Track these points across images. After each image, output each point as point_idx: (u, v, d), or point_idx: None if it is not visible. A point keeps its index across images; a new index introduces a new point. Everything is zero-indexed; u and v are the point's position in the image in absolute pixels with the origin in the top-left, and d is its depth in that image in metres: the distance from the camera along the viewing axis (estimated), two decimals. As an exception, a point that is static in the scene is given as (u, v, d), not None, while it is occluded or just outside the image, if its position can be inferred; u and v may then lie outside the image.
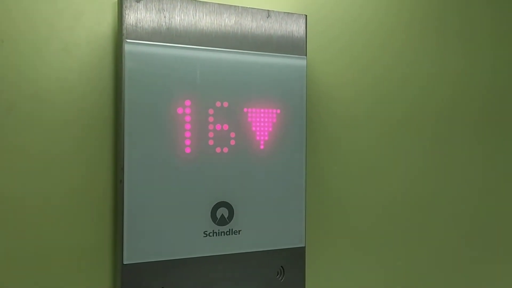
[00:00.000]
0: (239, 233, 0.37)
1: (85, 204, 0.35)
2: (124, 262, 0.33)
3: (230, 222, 0.37)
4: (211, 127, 0.36)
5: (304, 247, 0.39)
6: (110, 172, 0.35)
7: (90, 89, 0.35)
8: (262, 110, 0.38)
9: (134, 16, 0.34)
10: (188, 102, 0.35)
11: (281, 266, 0.39)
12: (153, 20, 0.35)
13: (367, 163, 0.46)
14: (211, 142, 0.36)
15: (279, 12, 0.39)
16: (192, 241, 0.35)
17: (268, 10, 0.38)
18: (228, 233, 0.37)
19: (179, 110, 0.35)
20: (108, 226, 0.35)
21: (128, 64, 0.34)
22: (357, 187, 0.46)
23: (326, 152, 0.44)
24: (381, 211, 0.47)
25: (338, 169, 0.45)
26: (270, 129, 0.38)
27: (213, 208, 0.36)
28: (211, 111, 0.36)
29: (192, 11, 0.36)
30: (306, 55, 0.40)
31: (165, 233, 0.34)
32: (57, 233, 0.34)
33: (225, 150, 0.36)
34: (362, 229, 0.46)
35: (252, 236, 0.37)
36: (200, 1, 0.36)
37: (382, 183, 0.47)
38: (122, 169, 0.33)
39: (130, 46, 0.34)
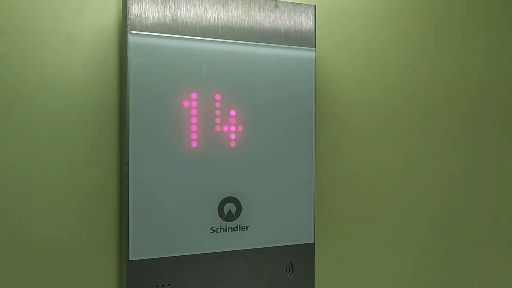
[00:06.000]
0: (246, 229, 0.36)
1: (90, 200, 0.34)
2: (130, 259, 0.32)
3: (237, 217, 0.36)
4: (218, 120, 0.35)
5: (313, 243, 0.39)
6: (115, 166, 0.35)
7: (94, 81, 0.34)
8: (270, 103, 0.37)
9: (139, 7, 0.33)
10: (194, 95, 0.34)
11: (290, 263, 0.38)
12: (158, 11, 0.34)
13: (378, 156, 0.45)
14: (218, 136, 0.35)
15: (287, 3, 0.38)
16: (199, 237, 0.34)
17: (276, 1, 0.37)
18: (235, 229, 0.36)
19: (185, 103, 0.34)
20: (113, 222, 0.35)
21: (132, 56, 0.33)
22: (367, 182, 0.45)
23: (335, 146, 0.43)
24: (392, 207, 0.46)
25: (348, 163, 0.44)
26: (279, 122, 0.37)
27: (220, 203, 0.35)
28: (218, 105, 0.35)
29: (198, 2, 0.35)
30: (315, 47, 0.39)
31: (171, 229, 0.34)
32: (61, 229, 0.33)
33: (233, 144, 0.36)
34: (372, 225, 0.45)
35: (260, 232, 0.37)
36: (206, -9, 0.35)
37: (393, 178, 0.46)
38: (127, 163, 0.32)
39: (134, 38, 0.33)
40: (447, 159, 0.49)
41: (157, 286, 0.33)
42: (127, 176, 0.32)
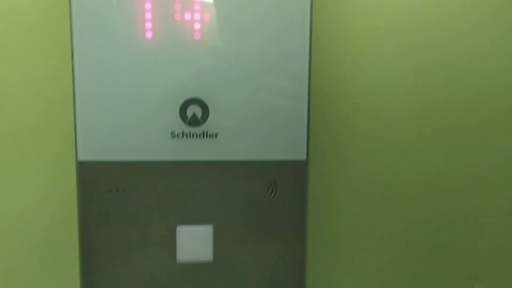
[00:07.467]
0: (215, 137, 0.31)
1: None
2: (79, 159, 0.30)
3: (204, 123, 0.31)
4: (177, 6, 0.30)
5: (305, 160, 0.32)
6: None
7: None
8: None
9: None
10: (150, -24, 0.29)
11: (274, 180, 0.32)
12: None
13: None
14: (179, 25, 0.30)
15: None
16: (157, 142, 0.31)
17: None
18: (202, 135, 0.31)
19: (139, -13, 0.29)
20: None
21: None
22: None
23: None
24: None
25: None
26: (261, 5, 0.30)
27: (182, 105, 0.30)
28: (179, -13, 0.29)
29: None
30: None
31: (124, 131, 0.30)
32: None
33: (197, 36, 0.30)
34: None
35: (232, 142, 0.31)
36: None
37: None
38: (72, 55, 0.29)
39: None
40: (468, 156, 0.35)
41: (111, 191, 0.31)
42: (72, 70, 0.30)
